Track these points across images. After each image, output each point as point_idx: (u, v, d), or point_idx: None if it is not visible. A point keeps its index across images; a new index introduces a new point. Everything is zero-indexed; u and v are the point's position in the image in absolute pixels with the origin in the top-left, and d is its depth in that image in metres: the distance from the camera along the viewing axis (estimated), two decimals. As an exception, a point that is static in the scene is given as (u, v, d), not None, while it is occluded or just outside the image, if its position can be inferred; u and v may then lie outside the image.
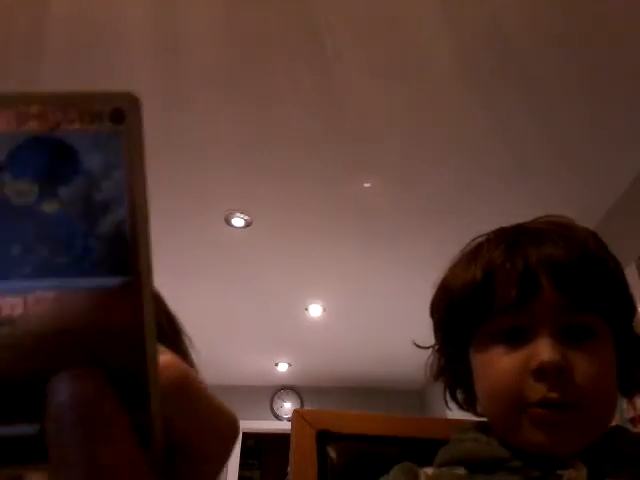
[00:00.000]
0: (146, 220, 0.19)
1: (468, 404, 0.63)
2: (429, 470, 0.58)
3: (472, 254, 0.61)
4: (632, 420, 2.03)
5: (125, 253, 0.19)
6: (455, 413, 0.68)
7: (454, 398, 0.64)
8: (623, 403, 2.07)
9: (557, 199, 2.43)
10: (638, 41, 1.72)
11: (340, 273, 3.30)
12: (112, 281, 0.19)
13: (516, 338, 0.54)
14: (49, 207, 0.18)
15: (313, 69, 1.91)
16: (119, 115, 0.19)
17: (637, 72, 1.84)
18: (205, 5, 1.69)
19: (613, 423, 0.57)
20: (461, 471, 0.56)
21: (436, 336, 0.64)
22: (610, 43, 1.74)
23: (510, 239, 0.58)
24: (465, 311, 0.58)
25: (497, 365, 0.54)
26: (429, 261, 2.91)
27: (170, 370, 0.19)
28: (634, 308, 0.59)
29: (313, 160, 2.36)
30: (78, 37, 1.79)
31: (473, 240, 0.63)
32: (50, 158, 0.18)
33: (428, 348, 0.65)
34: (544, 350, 0.51)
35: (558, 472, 0.51)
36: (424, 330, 0.67)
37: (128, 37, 1.79)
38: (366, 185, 2.49)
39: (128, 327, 0.19)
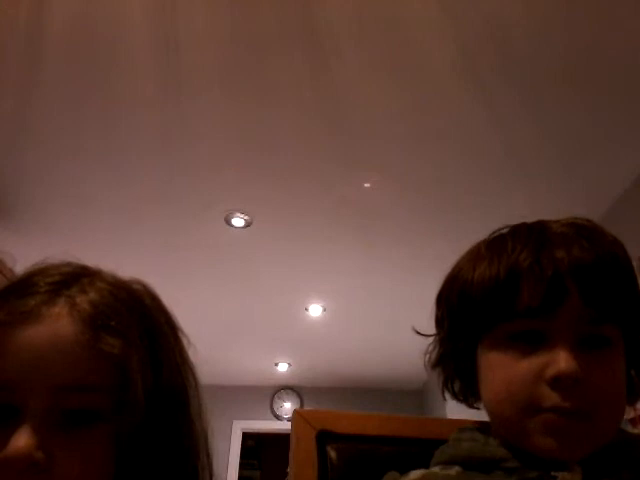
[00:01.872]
0: None
1: (464, 395, 0.63)
2: (415, 474, 0.58)
3: (494, 250, 0.58)
4: (632, 420, 2.03)
5: None
6: (454, 412, 0.68)
7: (450, 388, 0.63)
8: (623, 403, 2.07)
9: (557, 199, 2.43)
10: None
11: (340, 273, 3.30)
12: None
13: (532, 342, 0.53)
14: None
15: (313, 69, 1.91)
16: None
17: (638, 71, 1.84)
18: (205, 4, 1.69)
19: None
20: (454, 470, 0.56)
21: (440, 325, 0.63)
22: (611, 43, 1.74)
23: (537, 239, 0.56)
24: (482, 308, 0.56)
25: (511, 368, 0.54)
26: (429, 261, 2.91)
27: None
28: None
29: (313, 160, 2.36)
30: (78, 37, 1.79)
31: (494, 233, 0.61)
32: None
33: (430, 336, 0.64)
34: (563, 359, 0.51)
35: (552, 473, 0.51)
36: (424, 330, 0.67)
37: (128, 37, 1.79)
38: (366, 185, 2.49)
39: None
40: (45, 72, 1.91)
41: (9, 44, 1.80)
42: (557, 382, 0.51)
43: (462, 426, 0.61)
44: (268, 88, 2.00)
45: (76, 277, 0.49)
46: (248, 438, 5.64)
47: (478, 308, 0.57)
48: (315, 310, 3.81)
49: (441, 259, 0.67)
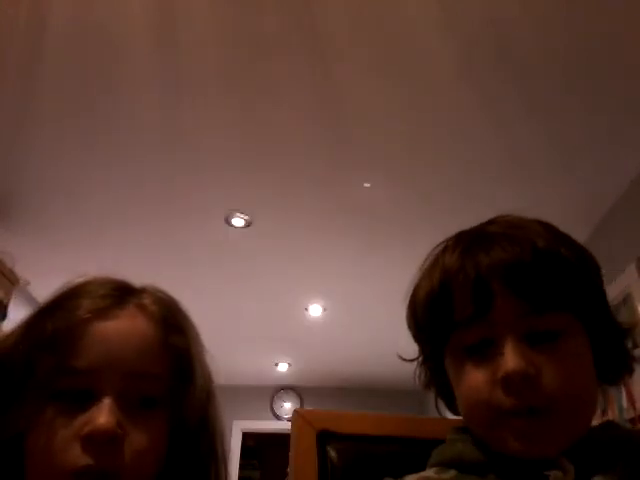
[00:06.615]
0: None
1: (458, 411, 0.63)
2: (410, 478, 0.58)
3: (433, 262, 0.60)
4: (632, 420, 2.03)
5: None
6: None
7: (447, 405, 0.64)
8: (623, 402, 2.07)
9: (557, 199, 2.43)
10: (639, 39, 1.72)
11: (340, 273, 3.30)
12: None
13: (484, 350, 0.53)
14: None
15: (313, 69, 1.91)
16: None
17: (638, 71, 1.84)
18: (205, 5, 1.69)
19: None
20: (449, 475, 0.55)
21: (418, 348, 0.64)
22: (611, 42, 1.74)
23: (463, 246, 0.57)
24: (430, 324, 0.57)
25: (468, 379, 0.54)
26: (429, 261, 2.90)
27: None
28: (604, 297, 0.57)
29: (313, 160, 2.36)
30: (78, 36, 1.79)
31: (435, 247, 0.63)
32: None
33: (413, 361, 0.65)
34: (509, 359, 0.50)
35: (544, 473, 0.50)
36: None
37: (129, 37, 1.78)
38: (366, 185, 2.49)
39: None
40: (45, 72, 1.91)
41: (9, 44, 1.80)
42: (508, 382, 0.50)
43: (456, 425, 0.61)
44: (268, 89, 2.00)
45: (128, 287, 0.57)
46: (248, 438, 5.64)
47: (427, 325, 0.58)
48: (315, 310, 3.81)
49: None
